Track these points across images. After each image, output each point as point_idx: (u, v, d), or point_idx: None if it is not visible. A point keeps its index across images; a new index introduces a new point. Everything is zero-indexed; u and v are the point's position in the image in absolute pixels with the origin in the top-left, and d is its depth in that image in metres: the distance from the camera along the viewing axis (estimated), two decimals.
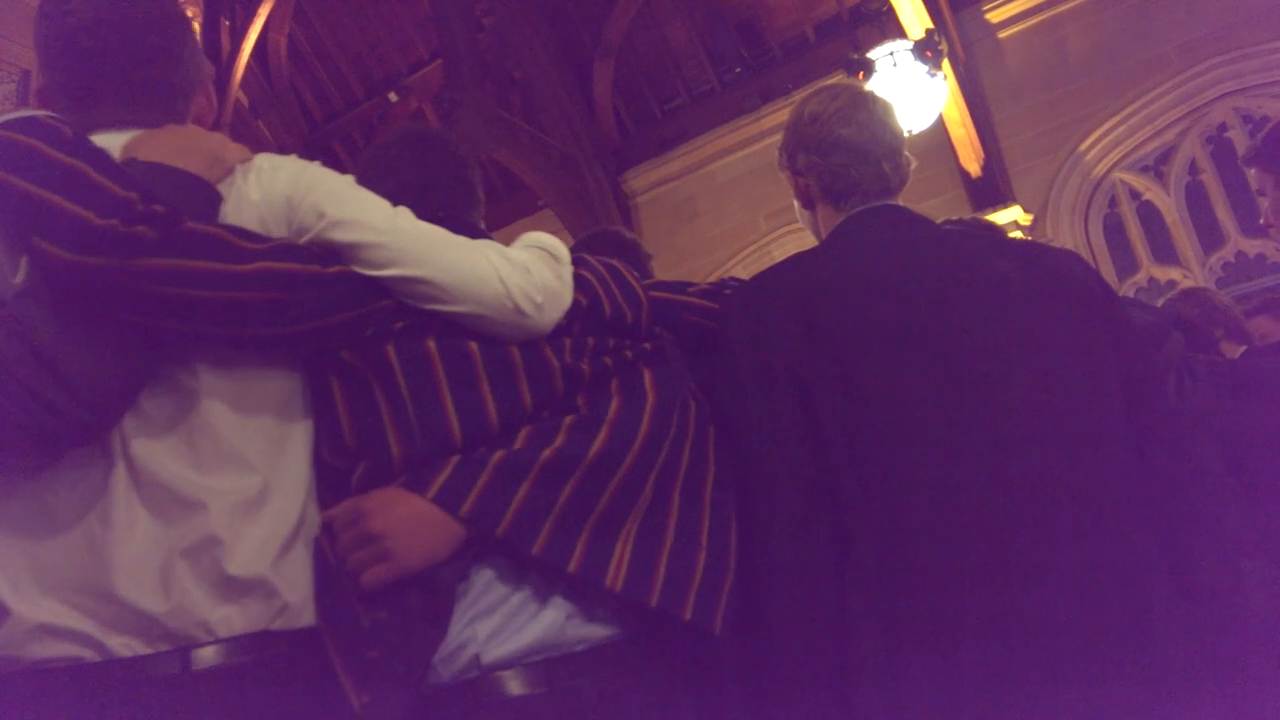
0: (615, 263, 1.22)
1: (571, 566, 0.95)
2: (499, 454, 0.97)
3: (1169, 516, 1.12)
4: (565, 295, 1.09)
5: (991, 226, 2.02)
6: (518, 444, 0.99)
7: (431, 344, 1.01)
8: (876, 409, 1.08)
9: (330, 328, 0.99)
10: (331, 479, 1.03)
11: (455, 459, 0.97)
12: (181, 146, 1.02)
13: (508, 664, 0.95)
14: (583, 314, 1.11)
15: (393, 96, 6.57)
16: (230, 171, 1.03)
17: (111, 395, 0.89)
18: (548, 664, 0.96)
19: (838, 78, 5.21)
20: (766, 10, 5.99)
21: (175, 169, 0.98)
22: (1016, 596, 1.02)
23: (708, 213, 6.30)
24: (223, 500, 0.94)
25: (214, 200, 0.99)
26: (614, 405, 1.04)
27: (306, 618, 0.97)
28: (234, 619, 0.92)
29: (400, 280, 1.00)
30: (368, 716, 0.89)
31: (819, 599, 1.04)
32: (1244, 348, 2.21)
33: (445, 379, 1.00)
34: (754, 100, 6.04)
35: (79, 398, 0.85)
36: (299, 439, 1.03)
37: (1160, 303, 2.50)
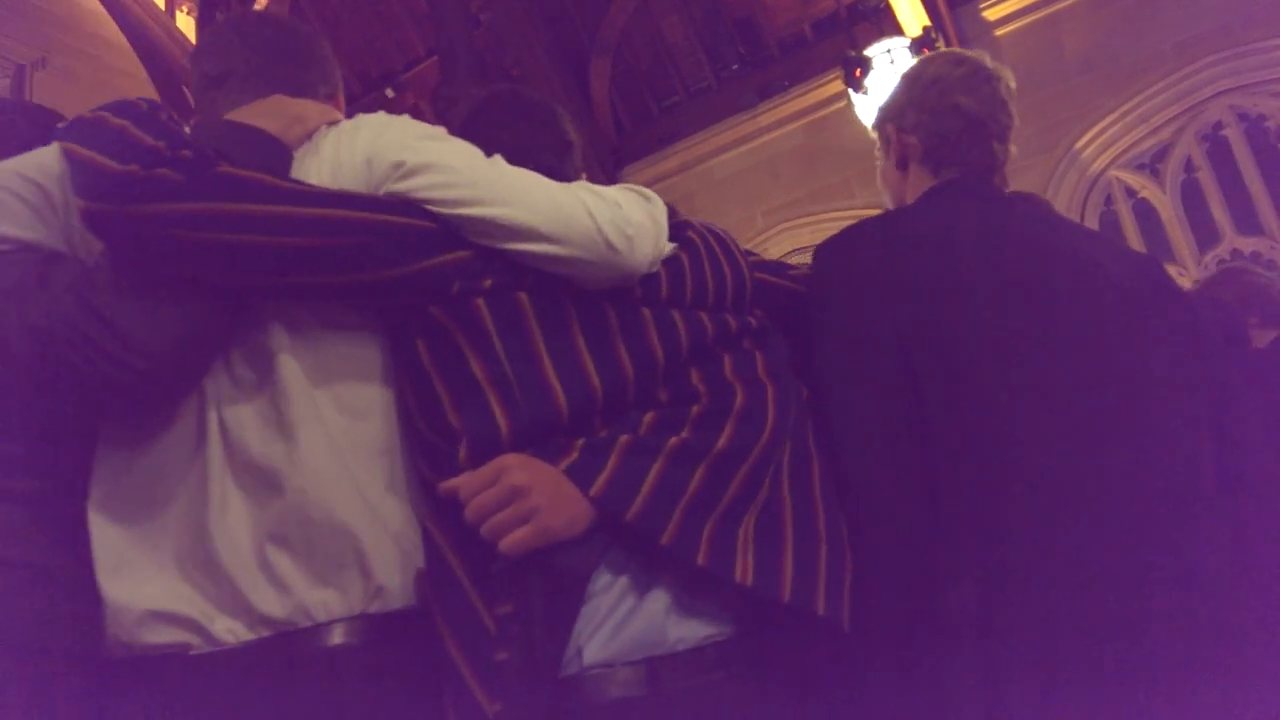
0: (722, 231, 1.17)
1: (701, 559, 0.90)
2: (625, 437, 0.93)
3: (1243, 523, 1.12)
4: (659, 235, 1.03)
5: (1042, 202, 1.94)
6: (643, 430, 0.94)
7: (523, 297, 0.95)
8: (976, 369, 1.06)
9: (403, 278, 0.93)
10: (432, 455, 0.96)
11: (580, 442, 0.92)
12: (267, 110, 1.01)
13: (609, 663, 0.90)
14: (682, 274, 1.05)
15: (389, 93, 6.56)
16: (310, 132, 1.01)
17: (165, 346, 0.86)
18: (650, 663, 0.90)
19: (835, 75, 5.22)
20: (764, 8, 5.99)
21: (249, 126, 0.97)
22: (1106, 583, 1.01)
23: (705, 210, 6.29)
24: (321, 483, 0.91)
25: (282, 155, 0.97)
26: (739, 398, 1.00)
27: (403, 599, 0.93)
28: (331, 602, 0.90)
29: (484, 221, 0.94)
30: None
31: (916, 562, 1.01)
32: (1276, 334, 2.15)
33: (542, 338, 0.95)
34: (751, 98, 6.04)
35: (127, 344, 0.84)
36: (381, 410, 0.98)
37: (1197, 281, 2.38)
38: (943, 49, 4.36)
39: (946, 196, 1.23)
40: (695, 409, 0.98)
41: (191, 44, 5.01)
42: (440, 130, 1.02)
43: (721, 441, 0.95)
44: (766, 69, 6.06)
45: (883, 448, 1.04)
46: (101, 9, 5.02)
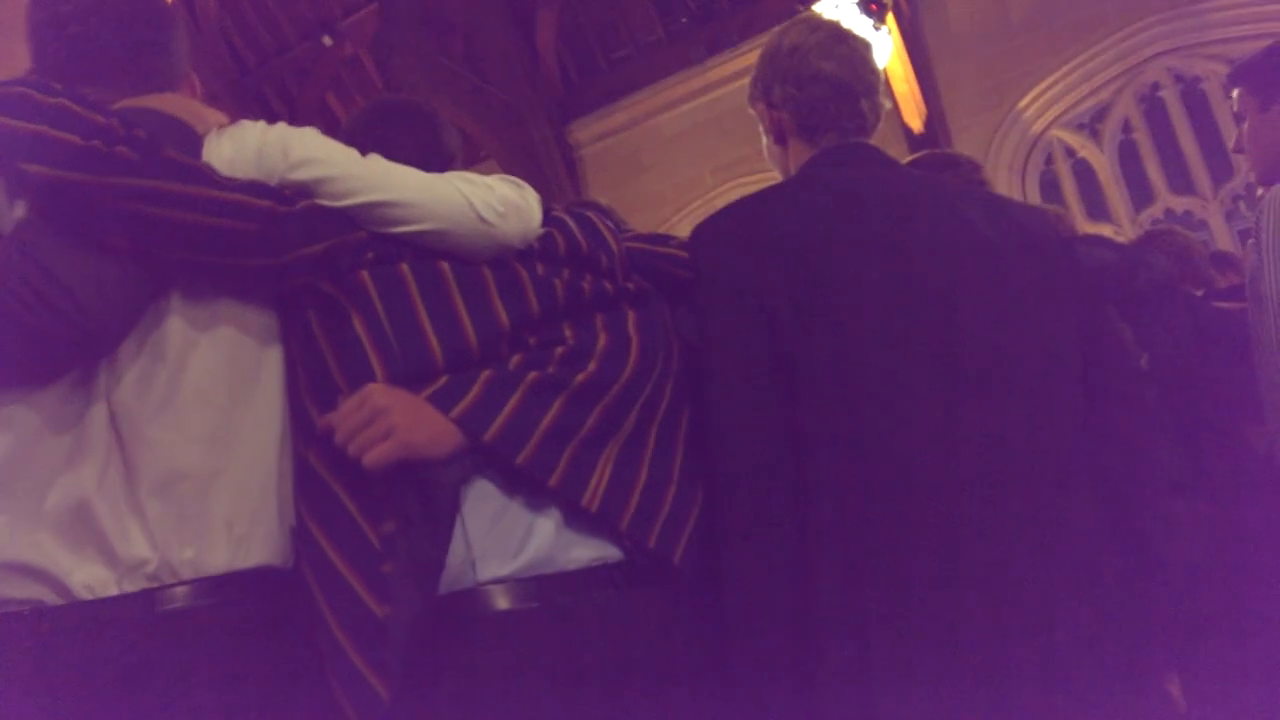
0: (588, 213, 1.23)
1: (553, 481, 1.00)
2: (488, 371, 1.02)
3: (1118, 476, 1.17)
4: (530, 213, 1.12)
5: (972, 166, 1.97)
6: (510, 367, 1.03)
7: (405, 267, 1.05)
8: (842, 346, 1.09)
9: (303, 260, 1.02)
10: (317, 406, 1.03)
11: (445, 377, 1.00)
12: (168, 104, 1.09)
13: (501, 580, 0.98)
14: (554, 246, 1.13)
15: (327, 41, 6.32)
16: (210, 129, 1.08)
17: (109, 310, 0.92)
18: (539, 580, 0.99)
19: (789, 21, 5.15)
20: None
21: (162, 113, 1.05)
22: (968, 548, 1.05)
23: (655, 166, 6.24)
24: (191, 438, 0.96)
25: (195, 143, 1.04)
26: (602, 340, 1.08)
27: (276, 557, 1.00)
28: (201, 560, 0.94)
29: (366, 207, 1.04)
30: (389, 626, 0.93)
31: (777, 544, 1.06)
32: (1202, 291, 2.23)
33: (420, 297, 1.03)
34: (700, 52, 5.96)
35: (77, 301, 0.89)
36: (271, 381, 1.05)
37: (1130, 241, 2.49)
38: (888, 3, 4.35)
39: (825, 168, 1.25)
40: (560, 349, 1.06)
41: None
42: (316, 130, 1.11)
43: (581, 376, 1.04)
44: (717, 23, 5.98)
45: (749, 411, 1.10)
46: None
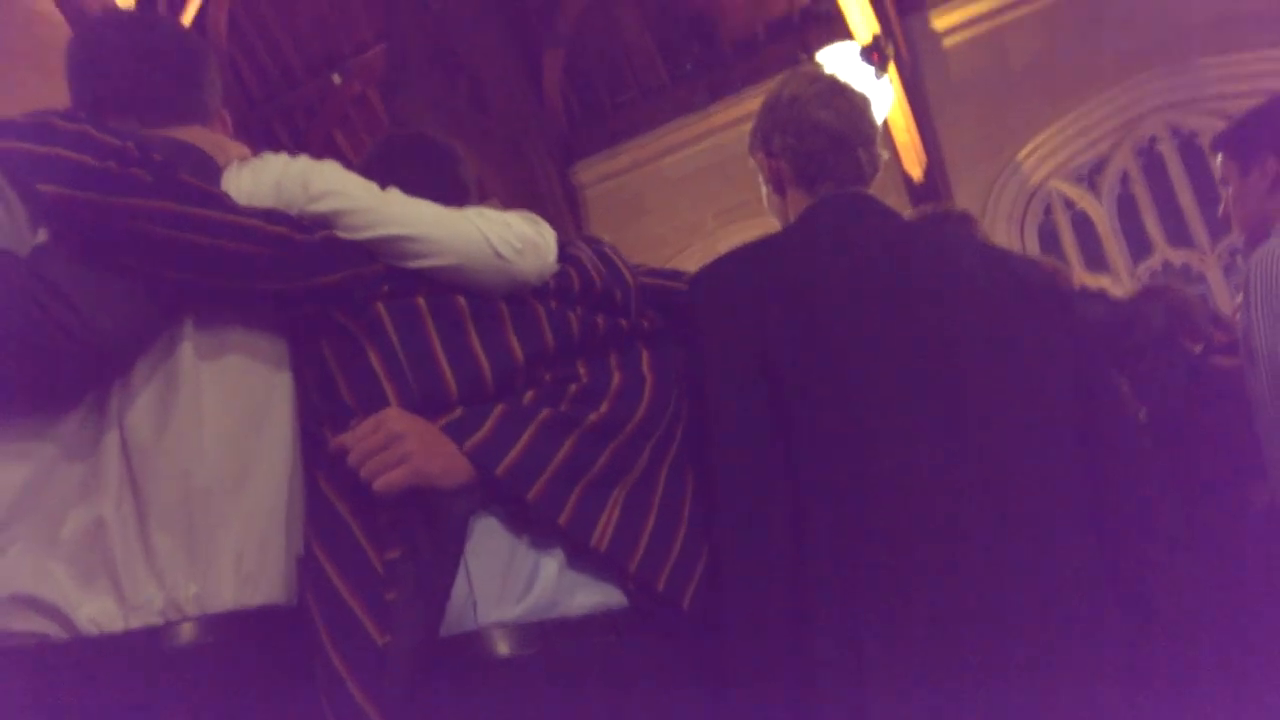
0: (605, 248, 1.24)
1: (562, 519, 0.98)
2: (502, 406, 1.01)
3: (1115, 514, 1.16)
4: (547, 250, 1.12)
5: (965, 220, 2.00)
6: (524, 402, 1.03)
7: (421, 301, 1.05)
8: (840, 394, 1.09)
9: (318, 288, 1.02)
10: (330, 459, 1.02)
11: (460, 409, 1.00)
12: (193, 135, 1.11)
13: (503, 624, 0.96)
14: (570, 284, 1.13)
15: (336, 78, 6.42)
16: (231, 161, 1.09)
17: (119, 329, 0.92)
18: (541, 626, 0.97)
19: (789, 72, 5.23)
20: (719, 7, 6.00)
21: (183, 142, 1.06)
22: (967, 588, 1.04)
23: (657, 209, 6.29)
24: (202, 470, 0.95)
25: (214, 173, 1.05)
26: (616, 379, 1.08)
27: (283, 595, 0.98)
28: (207, 597, 0.92)
29: (384, 241, 1.04)
30: (390, 656, 0.91)
31: (775, 592, 1.05)
32: (1201, 346, 2.24)
33: (435, 330, 1.03)
34: (704, 97, 6.05)
35: (84, 319, 0.89)
36: (282, 410, 1.04)
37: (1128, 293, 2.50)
38: (890, 54, 4.42)
39: (823, 219, 1.26)
40: (574, 387, 1.06)
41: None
42: (336, 163, 1.12)
43: (594, 416, 1.04)
44: (720, 69, 6.08)
45: (746, 459, 1.09)
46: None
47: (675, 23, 6.13)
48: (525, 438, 0.99)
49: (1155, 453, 1.65)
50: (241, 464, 0.99)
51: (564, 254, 1.17)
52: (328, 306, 1.03)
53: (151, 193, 0.93)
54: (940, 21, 5.44)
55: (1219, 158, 1.84)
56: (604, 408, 1.05)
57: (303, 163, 1.09)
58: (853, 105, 1.30)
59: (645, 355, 1.14)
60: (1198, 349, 2.20)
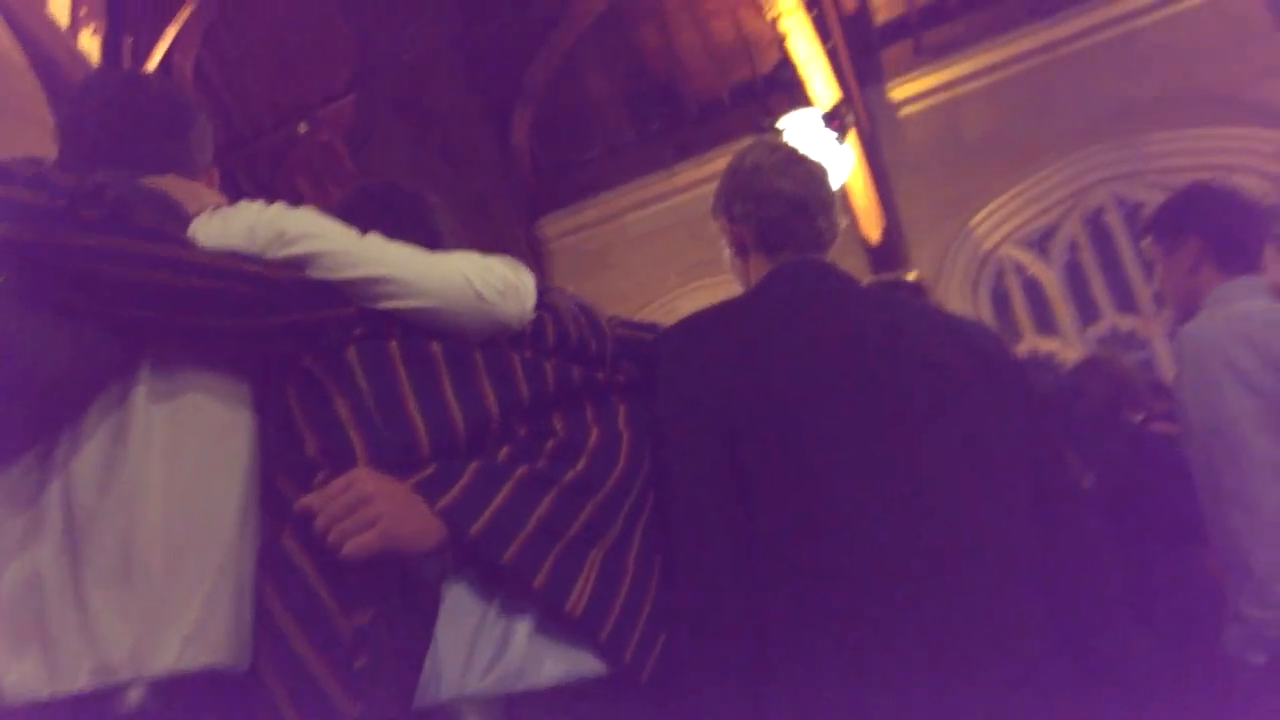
0: (581, 300, 1.24)
1: (538, 583, 0.94)
2: (476, 463, 0.98)
3: (1063, 580, 1.17)
4: (527, 294, 1.11)
5: (917, 289, 2.07)
6: (499, 459, 1.00)
7: (393, 345, 1.01)
8: (797, 456, 1.10)
9: (287, 327, 0.98)
10: (293, 487, 0.98)
11: (432, 466, 0.96)
12: (168, 184, 1.09)
13: (470, 697, 0.91)
14: (545, 332, 1.11)
15: (303, 127, 6.43)
16: (201, 210, 1.07)
17: (67, 378, 0.90)
18: (508, 700, 0.93)
19: (748, 142, 5.35)
20: (685, 72, 6.15)
21: (151, 188, 1.05)
22: (921, 645, 1.03)
23: (620, 264, 6.34)
24: (146, 522, 0.91)
25: (180, 216, 1.03)
26: (594, 435, 1.05)
27: (231, 657, 0.92)
28: (144, 659, 0.87)
29: (364, 282, 1.01)
30: None
31: (730, 675, 1.03)
32: (1143, 415, 2.31)
33: (408, 379, 1.00)
34: (669, 156, 6.16)
35: (30, 362, 0.86)
36: (240, 459, 1.00)
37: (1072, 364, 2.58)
38: (850, 122, 4.55)
39: (784, 285, 1.29)
40: (551, 443, 1.03)
41: (94, 64, 4.80)
42: (312, 208, 1.11)
43: (572, 474, 1.01)
44: (685, 130, 6.20)
45: (702, 527, 1.08)
46: None
47: (643, 84, 6.27)
48: (500, 496, 0.96)
49: (1101, 519, 1.69)
50: (190, 518, 0.94)
51: (541, 301, 1.16)
52: (297, 349, 1.00)
53: (102, 231, 0.91)
54: (897, 92, 5.64)
55: (1146, 240, 1.94)
56: (581, 465, 1.02)
57: (278, 208, 1.07)
58: (811, 174, 1.34)
59: (622, 410, 1.12)
60: (1139, 418, 2.27)
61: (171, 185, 1.10)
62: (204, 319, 0.97)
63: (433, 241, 1.26)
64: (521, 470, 0.98)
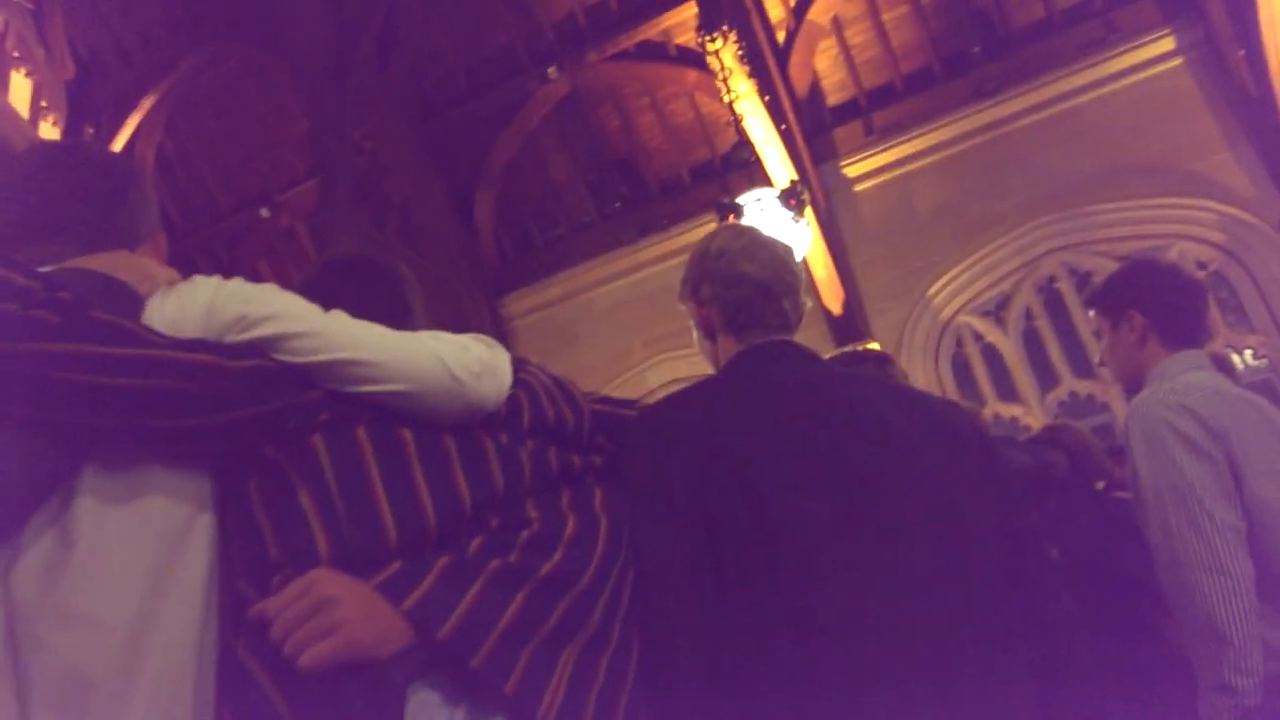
0: (557, 375, 1.20)
1: (509, 687, 0.89)
2: (445, 558, 0.92)
3: (1042, 656, 1.17)
4: (504, 374, 1.07)
5: (882, 360, 2.08)
6: (469, 552, 0.94)
7: (361, 432, 0.96)
8: (777, 545, 1.09)
9: (250, 420, 0.93)
10: (251, 591, 0.92)
11: (398, 563, 0.90)
12: (115, 262, 1.02)
13: None
14: (520, 412, 1.07)
15: (264, 213, 6.45)
16: (158, 288, 1.01)
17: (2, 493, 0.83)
18: None
19: (712, 218, 5.48)
20: (645, 153, 6.30)
21: (101, 274, 0.97)
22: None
23: (586, 338, 6.37)
24: (95, 638, 0.85)
25: (135, 304, 0.97)
26: (570, 525, 1.00)
27: None
28: None
29: (333, 365, 0.96)
30: None
31: None
32: (1104, 483, 2.33)
33: (377, 469, 0.94)
34: (632, 233, 6.26)
35: None
36: (196, 563, 0.93)
37: (1024, 439, 2.62)
38: (806, 200, 4.66)
39: (752, 366, 1.31)
40: (525, 534, 0.98)
41: None
42: (273, 285, 1.05)
43: (547, 567, 0.95)
44: (647, 208, 6.32)
45: (675, 611, 1.07)
46: None
47: (604, 164, 6.40)
48: (470, 595, 0.90)
49: (1069, 591, 1.69)
50: (139, 634, 0.87)
51: (516, 378, 1.11)
52: (257, 440, 0.94)
53: (58, 336, 0.85)
54: (851, 169, 5.81)
55: (1091, 314, 1.99)
56: (557, 556, 0.96)
57: (237, 284, 1.01)
58: (776, 258, 1.36)
59: (598, 493, 1.08)
60: (1101, 485, 2.30)
61: (122, 265, 1.02)
62: (169, 419, 0.91)
63: (405, 315, 1.23)
64: (494, 564, 0.93)
